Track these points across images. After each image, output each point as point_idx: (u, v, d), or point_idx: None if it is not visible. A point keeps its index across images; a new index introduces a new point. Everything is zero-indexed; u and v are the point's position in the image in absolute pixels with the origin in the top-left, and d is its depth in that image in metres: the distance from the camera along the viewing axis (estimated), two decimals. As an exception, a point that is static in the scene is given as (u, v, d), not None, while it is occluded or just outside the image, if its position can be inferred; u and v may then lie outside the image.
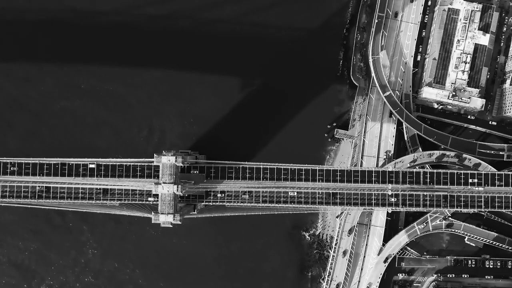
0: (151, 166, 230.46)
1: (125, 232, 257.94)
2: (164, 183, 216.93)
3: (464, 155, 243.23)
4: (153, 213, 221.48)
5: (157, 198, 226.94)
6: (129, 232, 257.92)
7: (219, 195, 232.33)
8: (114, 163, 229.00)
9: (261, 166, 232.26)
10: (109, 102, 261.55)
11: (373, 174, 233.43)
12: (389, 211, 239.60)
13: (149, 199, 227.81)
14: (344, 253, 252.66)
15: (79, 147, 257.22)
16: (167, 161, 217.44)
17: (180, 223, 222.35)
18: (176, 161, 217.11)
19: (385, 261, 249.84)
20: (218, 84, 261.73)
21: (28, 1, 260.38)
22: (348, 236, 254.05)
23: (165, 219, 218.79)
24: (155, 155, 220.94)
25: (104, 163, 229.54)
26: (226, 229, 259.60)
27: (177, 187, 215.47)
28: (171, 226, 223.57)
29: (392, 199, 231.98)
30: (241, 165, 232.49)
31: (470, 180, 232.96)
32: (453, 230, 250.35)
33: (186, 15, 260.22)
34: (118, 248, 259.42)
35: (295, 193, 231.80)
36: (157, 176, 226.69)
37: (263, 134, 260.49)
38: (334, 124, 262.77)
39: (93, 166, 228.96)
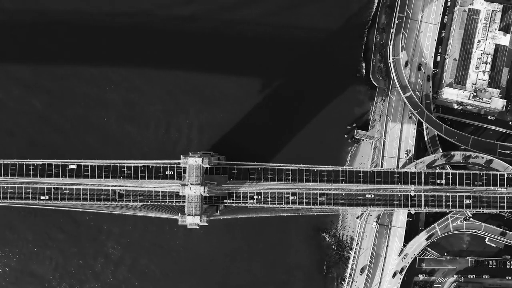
0: (174, 167, 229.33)
1: (145, 232, 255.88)
2: (191, 184, 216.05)
3: (485, 156, 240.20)
4: (179, 214, 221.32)
5: (178, 199, 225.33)
6: (149, 232, 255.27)
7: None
8: (137, 165, 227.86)
9: (284, 167, 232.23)
10: (127, 104, 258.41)
11: (396, 175, 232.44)
12: (412, 212, 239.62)
13: (178, 200, 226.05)
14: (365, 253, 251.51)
15: (98, 148, 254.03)
16: (193, 162, 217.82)
17: (206, 224, 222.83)
18: (202, 162, 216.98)
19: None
20: (238, 85, 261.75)
21: (54, 3, 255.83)
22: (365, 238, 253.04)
23: (192, 221, 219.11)
24: (181, 156, 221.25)
25: (127, 165, 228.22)
26: (245, 230, 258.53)
27: (204, 189, 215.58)
28: (198, 227, 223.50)
29: (415, 200, 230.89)
30: (263, 166, 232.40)
31: (492, 181, 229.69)
32: (473, 230, 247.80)
33: (207, 17, 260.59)
34: (139, 249, 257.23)
35: (320, 194, 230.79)
36: (179, 177, 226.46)
37: (282, 135, 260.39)
38: (354, 125, 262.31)
39: (113, 166, 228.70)
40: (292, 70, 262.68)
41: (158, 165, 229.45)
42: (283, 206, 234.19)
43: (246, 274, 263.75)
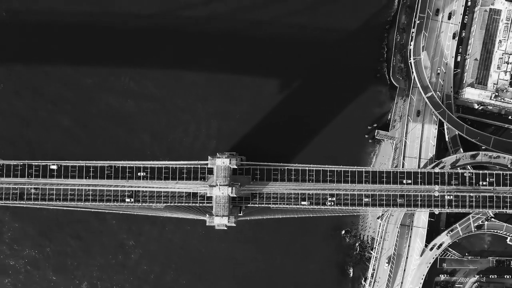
0: (197, 168, 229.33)
1: (167, 233, 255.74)
2: (221, 185, 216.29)
3: (507, 156, 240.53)
4: (207, 215, 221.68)
5: (202, 200, 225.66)
6: (171, 233, 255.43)
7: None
8: (160, 165, 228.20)
9: (307, 168, 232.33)
10: (146, 104, 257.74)
11: (419, 175, 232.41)
12: (436, 212, 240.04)
13: (202, 201, 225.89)
14: (387, 255, 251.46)
15: (119, 149, 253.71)
16: (221, 163, 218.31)
17: (234, 225, 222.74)
18: (230, 163, 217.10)
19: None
20: (257, 86, 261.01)
21: (77, 5, 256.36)
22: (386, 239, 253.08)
23: (220, 221, 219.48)
24: (209, 157, 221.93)
25: (151, 166, 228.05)
26: (265, 230, 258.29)
27: (232, 189, 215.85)
28: (225, 228, 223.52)
29: (438, 200, 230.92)
30: (286, 167, 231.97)
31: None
32: (495, 230, 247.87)
33: (225, 17, 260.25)
34: (160, 249, 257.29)
35: (344, 195, 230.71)
36: (203, 178, 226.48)
37: (303, 136, 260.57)
38: (375, 125, 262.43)
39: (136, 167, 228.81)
40: (312, 71, 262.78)
41: (182, 166, 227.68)
42: (306, 207, 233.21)
43: (265, 274, 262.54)
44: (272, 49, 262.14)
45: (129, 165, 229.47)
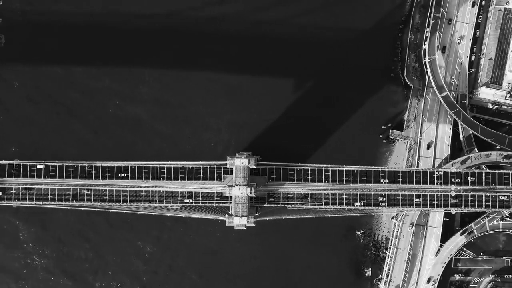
0: (213, 168, 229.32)
1: (183, 233, 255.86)
2: (240, 185, 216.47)
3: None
4: (227, 215, 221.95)
5: (218, 200, 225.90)
6: (186, 233, 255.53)
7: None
8: (177, 166, 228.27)
9: (323, 168, 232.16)
10: (159, 106, 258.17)
11: (435, 175, 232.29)
12: (453, 212, 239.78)
13: (220, 201, 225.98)
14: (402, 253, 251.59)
15: (134, 150, 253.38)
16: (240, 163, 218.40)
17: (253, 225, 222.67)
18: (249, 163, 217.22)
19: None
20: (270, 86, 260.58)
21: (90, 6, 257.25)
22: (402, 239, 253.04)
23: (239, 221, 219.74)
24: (228, 157, 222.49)
25: (167, 166, 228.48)
26: (280, 230, 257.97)
27: (251, 189, 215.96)
28: (245, 228, 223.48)
29: (455, 200, 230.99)
30: (302, 167, 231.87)
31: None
32: (510, 230, 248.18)
33: (238, 18, 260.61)
34: (175, 249, 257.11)
35: (360, 195, 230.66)
36: (219, 178, 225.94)
37: (317, 136, 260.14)
38: (389, 125, 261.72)
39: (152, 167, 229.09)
40: (325, 71, 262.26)
41: (198, 166, 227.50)
42: (323, 207, 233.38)
43: (279, 274, 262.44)
44: (286, 49, 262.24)
45: (145, 166, 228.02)
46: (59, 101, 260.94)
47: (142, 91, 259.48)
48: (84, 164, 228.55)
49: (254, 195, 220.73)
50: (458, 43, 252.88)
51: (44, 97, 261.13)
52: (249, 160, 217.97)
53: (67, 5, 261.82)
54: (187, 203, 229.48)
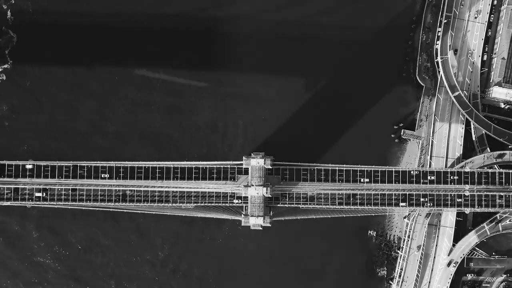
0: (227, 168, 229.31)
1: (198, 233, 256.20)
2: (256, 185, 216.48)
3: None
4: (242, 215, 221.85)
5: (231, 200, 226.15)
6: (201, 233, 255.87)
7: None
8: (191, 166, 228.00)
9: (337, 168, 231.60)
10: (173, 104, 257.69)
11: (449, 175, 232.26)
12: (467, 212, 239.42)
13: (234, 201, 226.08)
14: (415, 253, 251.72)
15: (150, 151, 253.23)
16: (256, 163, 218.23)
17: (270, 225, 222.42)
18: (265, 163, 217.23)
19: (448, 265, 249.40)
20: (282, 86, 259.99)
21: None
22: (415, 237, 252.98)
23: (255, 222, 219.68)
24: (244, 157, 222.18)
25: (181, 166, 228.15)
26: (291, 230, 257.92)
27: (267, 189, 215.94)
28: (261, 228, 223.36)
29: (468, 200, 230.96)
30: (316, 167, 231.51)
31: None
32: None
33: (251, 17, 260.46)
34: (189, 250, 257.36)
35: (374, 194, 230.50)
36: (233, 178, 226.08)
37: (328, 135, 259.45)
38: (401, 125, 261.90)
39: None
40: (337, 70, 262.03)
41: (212, 166, 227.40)
42: (336, 207, 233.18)
43: (292, 275, 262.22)
44: (297, 48, 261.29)
45: (159, 166, 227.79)
46: (71, 102, 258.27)
47: (154, 94, 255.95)
48: (98, 165, 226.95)
49: (270, 195, 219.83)
50: (470, 55, 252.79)
51: (56, 97, 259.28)
52: (264, 160, 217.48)
53: (80, 5, 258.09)
54: (201, 203, 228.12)
